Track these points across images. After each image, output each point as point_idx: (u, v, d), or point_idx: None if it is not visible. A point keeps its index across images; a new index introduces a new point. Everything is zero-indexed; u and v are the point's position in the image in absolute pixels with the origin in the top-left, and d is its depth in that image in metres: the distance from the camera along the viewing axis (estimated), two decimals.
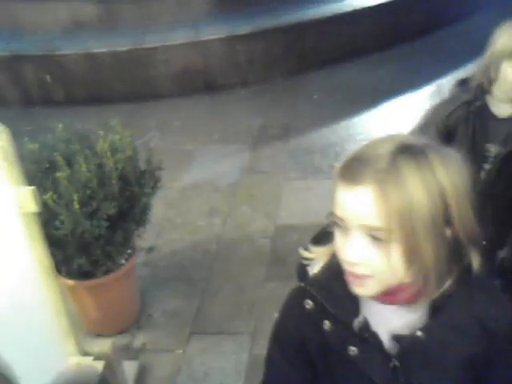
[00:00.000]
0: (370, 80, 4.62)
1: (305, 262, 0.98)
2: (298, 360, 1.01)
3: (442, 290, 0.88)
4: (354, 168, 0.83)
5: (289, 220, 3.07)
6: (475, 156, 1.86)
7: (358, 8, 4.89)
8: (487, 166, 1.87)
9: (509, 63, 1.72)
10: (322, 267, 0.95)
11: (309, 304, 0.96)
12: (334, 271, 0.92)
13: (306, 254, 0.98)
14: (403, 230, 0.80)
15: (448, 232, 0.84)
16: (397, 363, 0.90)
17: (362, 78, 4.68)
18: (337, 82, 4.67)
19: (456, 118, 1.85)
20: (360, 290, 0.87)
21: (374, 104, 4.21)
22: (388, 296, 0.89)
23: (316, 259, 0.97)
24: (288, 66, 4.82)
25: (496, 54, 1.75)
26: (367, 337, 0.91)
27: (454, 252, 0.86)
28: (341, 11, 4.85)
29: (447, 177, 0.82)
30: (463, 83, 1.93)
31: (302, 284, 0.97)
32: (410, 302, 0.89)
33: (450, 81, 4.33)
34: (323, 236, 0.96)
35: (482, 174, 1.88)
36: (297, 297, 0.99)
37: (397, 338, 0.90)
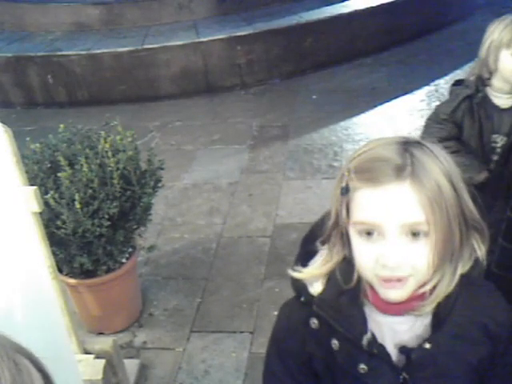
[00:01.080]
0: (368, 81, 4.64)
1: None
2: (302, 375, 0.99)
3: (449, 290, 0.88)
4: (376, 170, 0.81)
5: (288, 219, 3.09)
6: (484, 148, 1.89)
7: (356, 10, 4.90)
8: (495, 157, 1.89)
9: (507, 51, 1.77)
10: (326, 285, 0.92)
11: (315, 323, 0.93)
12: (339, 288, 0.90)
13: (297, 275, 0.94)
14: (441, 217, 0.80)
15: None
16: (406, 376, 0.89)
17: (360, 78, 4.69)
18: (336, 82, 4.69)
19: (461, 112, 1.88)
20: (397, 293, 0.84)
21: (373, 104, 4.23)
22: (402, 303, 0.87)
23: (310, 279, 0.94)
24: (287, 67, 4.84)
25: (494, 45, 1.79)
26: (375, 352, 0.89)
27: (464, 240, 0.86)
28: (339, 13, 4.87)
29: (448, 164, 0.84)
30: (460, 83, 1.96)
31: (302, 299, 0.94)
32: (419, 303, 0.88)
33: (448, 82, 4.36)
34: (308, 255, 0.95)
35: (492, 166, 1.89)
36: (298, 313, 0.96)
37: (405, 351, 0.89)
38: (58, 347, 1.66)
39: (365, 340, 0.88)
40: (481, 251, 0.88)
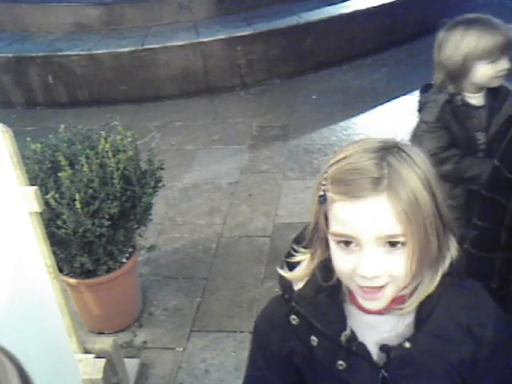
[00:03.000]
0: (367, 81, 4.64)
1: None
2: (281, 369, 1.00)
3: (429, 291, 0.88)
4: (353, 183, 0.80)
5: (288, 219, 3.10)
6: (471, 147, 1.93)
7: (356, 10, 4.91)
8: (480, 154, 1.93)
9: (481, 63, 1.79)
10: (305, 283, 0.94)
11: (295, 320, 0.94)
12: (318, 286, 0.91)
13: (284, 273, 0.96)
14: (417, 226, 0.80)
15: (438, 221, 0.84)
16: (385, 374, 0.89)
17: (360, 79, 4.70)
18: (335, 83, 4.69)
19: (447, 116, 1.90)
20: (376, 303, 0.85)
21: (372, 105, 4.23)
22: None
23: (294, 280, 0.96)
24: (287, 68, 4.85)
25: (466, 56, 1.80)
26: (355, 349, 0.89)
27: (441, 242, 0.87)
28: (339, 13, 4.87)
29: (426, 167, 0.84)
30: (427, 88, 1.98)
31: (286, 296, 0.96)
32: (399, 305, 0.88)
33: None
34: (292, 258, 0.96)
35: None
36: (281, 310, 0.97)
37: (385, 349, 0.89)
38: (58, 347, 1.67)
39: (343, 337, 0.89)
40: (455, 248, 0.89)
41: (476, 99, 1.90)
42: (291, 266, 0.97)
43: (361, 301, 0.87)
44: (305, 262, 0.95)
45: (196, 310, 2.57)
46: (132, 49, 4.63)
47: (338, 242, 0.84)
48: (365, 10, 4.92)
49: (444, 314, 0.89)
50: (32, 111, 4.80)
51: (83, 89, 4.75)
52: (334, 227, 0.84)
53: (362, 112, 4.16)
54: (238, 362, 2.27)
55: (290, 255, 0.97)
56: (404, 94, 4.34)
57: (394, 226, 0.79)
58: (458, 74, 1.85)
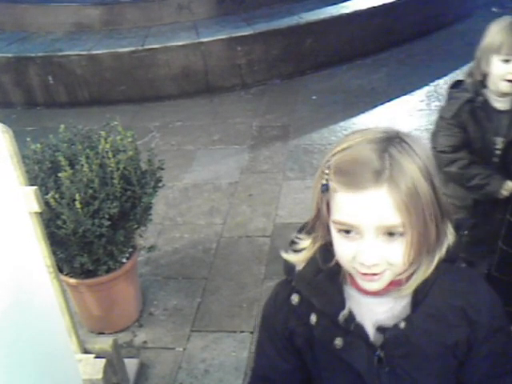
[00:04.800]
0: (368, 81, 4.64)
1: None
2: (286, 351, 1.04)
3: (426, 275, 0.90)
4: (355, 173, 0.82)
5: (288, 219, 3.10)
6: (486, 150, 1.90)
7: (356, 10, 4.91)
8: (496, 160, 1.90)
9: (496, 57, 1.76)
10: (306, 264, 0.97)
11: (295, 299, 0.97)
12: (318, 266, 0.94)
13: (288, 257, 0.99)
14: (417, 217, 0.82)
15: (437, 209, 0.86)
16: (381, 353, 0.92)
17: (360, 79, 4.70)
18: (335, 83, 4.70)
19: (465, 115, 1.87)
20: (374, 285, 0.88)
21: (372, 105, 4.23)
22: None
23: (297, 262, 0.98)
24: (287, 68, 4.85)
25: (485, 49, 1.79)
26: (352, 329, 0.93)
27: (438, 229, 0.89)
28: (339, 13, 4.88)
29: (426, 156, 0.85)
30: (458, 84, 1.96)
31: (289, 278, 0.99)
32: (396, 288, 0.91)
33: (447, 82, 4.37)
34: (295, 244, 0.99)
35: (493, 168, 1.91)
36: (284, 292, 1.01)
37: (381, 329, 0.93)
38: (58, 347, 1.67)
39: (341, 316, 0.92)
40: (451, 235, 0.92)
41: (501, 103, 1.85)
42: (295, 253, 1.00)
43: (360, 282, 0.90)
44: (307, 245, 0.97)
45: (196, 309, 2.58)
46: (132, 49, 4.63)
47: (339, 230, 0.86)
48: (365, 10, 4.92)
49: (439, 296, 0.92)
50: (32, 111, 4.80)
51: (83, 89, 4.75)
52: (336, 216, 0.86)
53: (362, 112, 4.16)
54: (238, 362, 2.28)
55: (293, 243, 0.99)
56: (404, 94, 4.35)
57: (393, 217, 0.81)
58: (478, 66, 1.82)
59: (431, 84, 4.44)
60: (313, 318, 0.96)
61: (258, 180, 3.52)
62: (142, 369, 2.29)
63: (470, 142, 1.90)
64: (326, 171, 0.87)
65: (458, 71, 4.42)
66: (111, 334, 2.41)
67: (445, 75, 4.49)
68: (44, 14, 5.22)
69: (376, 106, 4.22)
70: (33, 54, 4.71)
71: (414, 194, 0.81)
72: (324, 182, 0.87)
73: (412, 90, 4.40)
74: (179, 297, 2.66)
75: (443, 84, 4.37)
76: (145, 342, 2.43)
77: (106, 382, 1.86)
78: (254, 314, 2.50)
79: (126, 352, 2.33)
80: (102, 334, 2.45)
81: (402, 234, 0.83)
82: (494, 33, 1.77)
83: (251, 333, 2.41)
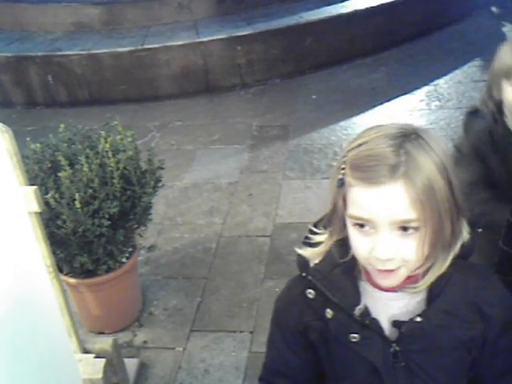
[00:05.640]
0: (367, 81, 4.64)
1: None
2: (299, 345, 1.04)
3: (441, 271, 0.91)
4: (371, 168, 0.83)
5: (288, 219, 3.10)
6: (508, 180, 1.68)
7: (355, 10, 4.90)
8: None
9: (507, 82, 1.54)
10: (322, 258, 0.98)
11: (311, 293, 0.98)
12: (334, 261, 0.95)
13: (302, 252, 1.00)
14: (431, 213, 0.83)
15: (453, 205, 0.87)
16: (397, 348, 0.93)
17: (359, 78, 4.69)
18: (335, 82, 4.69)
19: (483, 146, 1.67)
20: (390, 281, 0.89)
21: (372, 104, 4.23)
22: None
23: (312, 257, 0.99)
24: (287, 68, 4.85)
25: (495, 75, 1.59)
26: (368, 323, 0.93)
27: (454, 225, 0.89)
28: (339, 13, 4.87)
29: (443, 153, 0.86)
30: (476, 113, 1.73)
31: (304, 274, 1.00)
32: (412, 284, 0.92)
33: (447, 81, 4.38)
34: (310, 239, 1.00)
35: None
36: (299, 286, 1.01)
37: (397, 324, 0.93)
38: (58, 347, 1.67)
39: (357, 310, 0.93)
40: (466, 231, 0.93)
41: None
42: (310, 247, 1.01)
43: (375, 278, 0.91)
44: (323, 239, 0.98)
45: (196, 309, 2.58)
46: (132, 48, 4.62)
47: (354, 224, 0.88)
48: (365, 9, 4.91)
49: (454, 292, 0.93)
50: (32, 111, 4.80)
51: (83, 88, 4.75)
52: (352, 210, 0.87)
53: (362, 112, 4.16)
54: (238, 361, 2.28)
55: (307, 238, 1.00)
56: (404, 94, 4.35)
57: (408, 212, 0.83)
58: (491, 93, 1.61)
59: (431, 84, 4.44)
60: (329, 312, 0.96)
61: (257, 180, 3.52)
62: (142, 369, 2.29)
63: (490, 176, 1.69)
64: (343, 166, 0.88)
65: (458, 71, 4.43)
66: (111, 333, 2.41)
67: (445, 75, 4.49)
68: (44, 13, 5.22)
69: (376, 106, 4.22)
70: (33, 54, 4.70)
71: (429, 190, 0.82)
72: (340, 176, 0.89)
73: (412, 90, 4.40)
74: (179, 297, 2.66)
75: (443, 83, 4.37)
76: (145, 342, 2.43)
77: (105, 382, 1.86)
78: (254, 313, 2.50)
79: (125, 352, 2.33)
80: (102, 333, 2.45)
81: (416, 230, 0.84)
82: (503, 56, 1.56)
83: (251, 333, 2.41)
